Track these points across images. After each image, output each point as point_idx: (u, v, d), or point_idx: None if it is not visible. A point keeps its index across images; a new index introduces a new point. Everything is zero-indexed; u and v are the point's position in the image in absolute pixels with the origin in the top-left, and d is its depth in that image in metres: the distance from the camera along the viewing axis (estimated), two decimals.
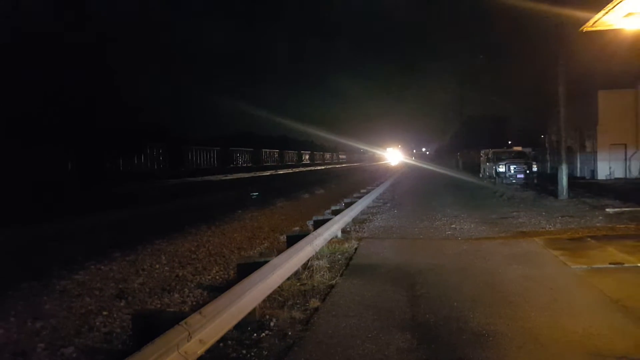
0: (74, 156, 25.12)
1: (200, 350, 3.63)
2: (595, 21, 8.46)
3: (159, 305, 5.83)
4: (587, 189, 19.43)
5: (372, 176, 36.09)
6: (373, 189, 18.46)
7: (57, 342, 4.64)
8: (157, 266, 7.76)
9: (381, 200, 17.18)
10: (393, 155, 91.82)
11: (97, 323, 5.18)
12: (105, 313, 5.48)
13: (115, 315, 5.42)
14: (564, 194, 16.26)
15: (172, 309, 5.65)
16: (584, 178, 27.14)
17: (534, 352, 4.05)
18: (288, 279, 6.04)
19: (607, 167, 26.02)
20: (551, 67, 17.42)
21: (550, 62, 17.90)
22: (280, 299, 5.75)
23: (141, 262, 8.01)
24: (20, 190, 19.18)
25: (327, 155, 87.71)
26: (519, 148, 30.06)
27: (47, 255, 8.71)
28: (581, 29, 9.02)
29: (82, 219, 13.82)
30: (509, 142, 39.99)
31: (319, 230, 8.07)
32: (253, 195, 11.10)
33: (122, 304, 5.84)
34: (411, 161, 79.17)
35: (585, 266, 6.83)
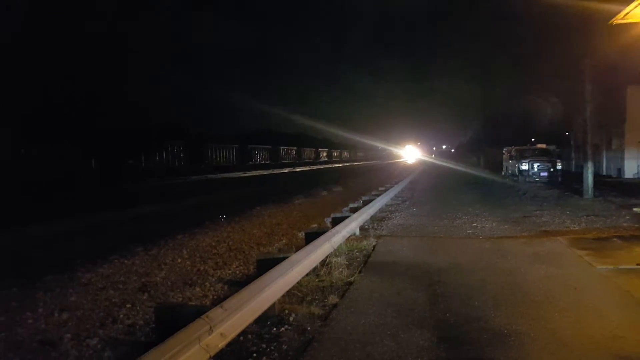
0: (97, 154, 25.63)
1: (221, 344, 3.67)
2: (627, 13, 8.21)
3: (180, 299, 5.92)
4: (614, 187, 18.99)
5: (391, 174, 35.90)
6: (392, 187, 18.36)
7: (82, 333, 4.75)
8: (179, 260, 7.87)
9: (400, 198, 17.08)
10: (410, 153, 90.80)
11: (121, 315, 5.28)
12: (128, 306, 5.59)
13: (138, 308, 5.52)
14: (589, 192, 15.91)
15: (193, 303, 5.73)
16: (610, 176, 26.53)
17: (557, 353, 3.98)
18: (307, 275, 6.06)
19: (635, 166, 25.36)
20: (578, 61, 17.01)
21: (576, 56, 17.50)
22: (299, 294, 5.77)
23: (163, 256, 8.13)
24: (45, 186, 19.65)
25: (345, 153, 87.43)
26: (543, 145, 29.50)
27: (72, 249, 8.91)
28: (611, 21, 8.77)
29: (105, 214, 14.10)
30: (533, 140, 39.31)
31: (337, 227, 8.06)
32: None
33: (145, 297, 5.94)
34: (430, 159, 78.31)
35: (611, 266, 6.67)
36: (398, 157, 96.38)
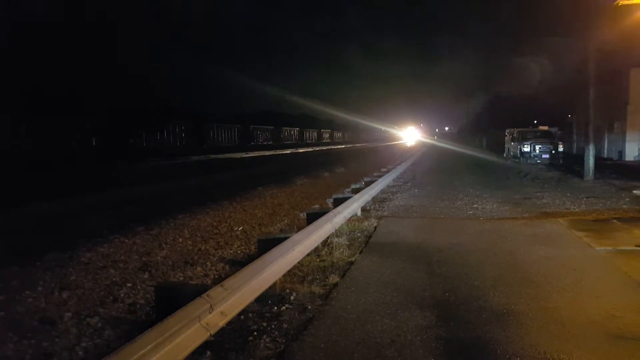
0: (98, 132, 25.55)
1: (222, 322, 3.68)
2: None
3: (182, 278, 5.95)
4: (614, 170, 18.94)
5: (393, 155, 35.83)
6: (393, 168, 18.32)
7: (82, 312, 4.77)
8: (180, 240, 7.89)
9: (401, 180, 17.07)
10: (411, 135, 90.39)
11: (122, 294, 5.31)
12: (129, 285, 5.62)
13: (138, 287, 5.55)
14: (590, 174, 15.89)
15: (194, 282, 5.76)
16: (611, 159, 26.48)
17: (555, 332, 4.01)
18: (308, 255, 6.08)
19: (636, 149, 25.28)
20: (581, 43, 16.80)
21: (580, 38, 17.27)
22: (300, 274, 5.80)
23: (164, 235, 8.15)
24: (44, 164, 19.59)
25: (348, 135, 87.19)
26: (545, 127, 29.39)
27: (73, 228, 8.92)
28: (616, 2, 8.67)
29: (106, 193, 14.09)
30: (535, 121, 39.12)
31: (339, 208, 8.06)
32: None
33: (145, 276, 5.97)
34: (432, 140, 77.99)
35: (610, 248, 6.69)
36: (400, 139, 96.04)
